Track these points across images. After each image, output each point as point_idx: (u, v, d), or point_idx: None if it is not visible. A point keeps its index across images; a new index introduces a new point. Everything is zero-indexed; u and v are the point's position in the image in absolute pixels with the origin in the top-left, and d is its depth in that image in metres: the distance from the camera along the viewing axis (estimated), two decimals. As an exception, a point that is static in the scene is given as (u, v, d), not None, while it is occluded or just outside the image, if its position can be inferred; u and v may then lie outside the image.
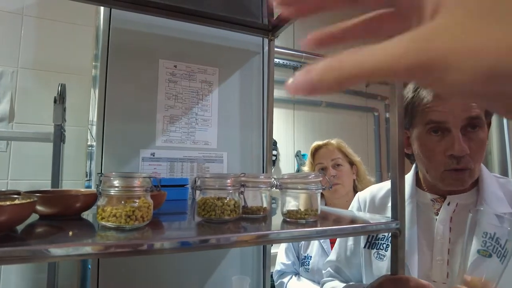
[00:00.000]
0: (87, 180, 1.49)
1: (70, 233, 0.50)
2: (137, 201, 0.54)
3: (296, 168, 3.28)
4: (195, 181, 0.65)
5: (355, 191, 1.44)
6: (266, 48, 1.33)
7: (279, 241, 0.57)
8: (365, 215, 0.75)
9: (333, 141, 1.48)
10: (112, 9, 1.12)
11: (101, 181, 0.56)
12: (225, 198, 0.62)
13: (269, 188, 0.71)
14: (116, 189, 0.54)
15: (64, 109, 1.08)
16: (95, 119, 1.16)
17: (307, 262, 1.34)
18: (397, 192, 0.68)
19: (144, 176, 0.57)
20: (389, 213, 0.90)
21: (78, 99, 1.42)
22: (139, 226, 0.55)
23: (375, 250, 0.89)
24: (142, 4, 1.07)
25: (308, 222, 0.64)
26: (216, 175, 0.65)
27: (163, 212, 0.87)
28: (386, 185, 0.99)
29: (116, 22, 1.13)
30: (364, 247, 0.92)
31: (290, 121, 3.36)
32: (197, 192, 0.65)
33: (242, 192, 0.65)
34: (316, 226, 0.62)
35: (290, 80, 0.23)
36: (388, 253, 0.85)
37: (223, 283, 1.19)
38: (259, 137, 1.30)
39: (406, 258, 0.79)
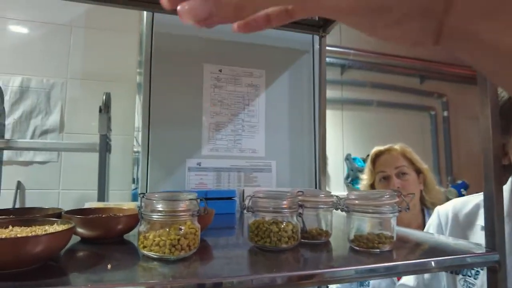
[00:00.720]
0: (134, 189, 1.48)
1: (109, 266, 0.43)
2: (183, 227, 0.47)
3: (346, 173, 3.11)
4: (244, 198, 0.56)
5: (422, 203, 1.27)
6: (316, 45, 1.22)
7: (351, 279, 0.47)
8: (448, 240, 0.62)
9: (397, 146, 1.30)
10: (155, 13, 1.08)
11: (142, 203, 0.49)
12: (282, 223, 0.53)
13: (331, 208, 0.61)
14: (159, 214, 0.47)
15: (109, 118, 1.06)
16: (140, 130, 1.13)
17: (366, 283, 1.21)
18: (493, 213, 0.55)
19: (191, 198, 0.49)
20: (477, 234, 0.75)
21: (124, 106, 1.41)
22: (185, 256, 0.47)
23: (461, 276, 0.75)
24: (185, 6, 1.02)
25: (383, 252, 0.53)
26: (270, 194, 0.56)
27: (212, 228, 0.80)
28: (472, 199, 0.85)
29: (159, 26, 1.09)
30: (450, 272, 0.78)
31: (338, 122, 3.19)
32: (249, 213, 0.57)
33: (300, 214, 0.56)
34: (392, 259, 0.51)
35: (181, 5, 0.22)
36: (479, 282, 0.71)
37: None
38: (310, 143, 1.20)
39: None
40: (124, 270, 0.43)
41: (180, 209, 0.48)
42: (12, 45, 1.30)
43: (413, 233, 0.72)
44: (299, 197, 0.58)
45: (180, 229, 0.47)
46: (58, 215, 0.57)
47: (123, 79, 1.42)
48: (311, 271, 0.45)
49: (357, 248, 0.55)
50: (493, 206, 0.55)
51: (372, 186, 1.29)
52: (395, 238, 0.56)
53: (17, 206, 1.30)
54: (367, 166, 1.32)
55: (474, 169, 3.37)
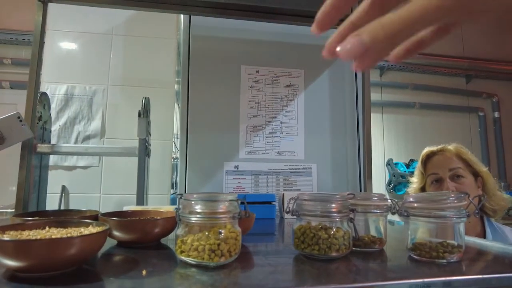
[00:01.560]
0: (173, 193, 1.48)
1: (144, 272, 0.40)
2: (223, 231, 0.43)
3: (388, 178, 2.96)
4: (283, 202, 0.51)
5: (481, 209, 1.14)
6: (358, 43, 1.15)
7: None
8: (525, 251, 0.53)
9: (451, 147, 1.18)
10: (192, 16, 1.08)
11: (179, 204, 0.46)
12: (332, 229, 0.47)
13: (385, 213, 0.54)
14: (198, 216, 0.43)
15: (149, 123, 1.06)
16: (179, 134, 1.12)
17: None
18: None
19: (231, 199, 0.45)
20: None
21: (162, 112, 1.42)
22: (225, 262, 0.43)
23: None
24: (221, 7, 1.00)
25: (451, 263, 0.46)
26: (317, 196, 0.50)
27: (253, 234, 0.76)
28: None
29: (196, 29, 1.08)
30: None
31: (378, 126, 3.06)
32: (293, 216, 0.52)
33: (352, 220, 0.50)
34: (462, 272, 0.44)
35: (340, 46, 0.24)
36: None
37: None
38: (353, 145, 1.12)
39: None
40: (159, 276, 0.40)
41: (220, 210, 0.44)
42: (58, 56, 1.36)
43: (479, 242, 0.63)
44: (350, 200, 0.52)
45: (220, 232, 0.43)
46: (94, 217, 0.56)
47: (162, 85, 1.44)
48: (367, 283, 0.39)
49: (418, 257, 0.48)
50: None
51: (422, 189, 1.18)
52: (464, 248, 0.48)
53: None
54: (417, 168, 1.21)
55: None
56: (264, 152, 1.08)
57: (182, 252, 0.44)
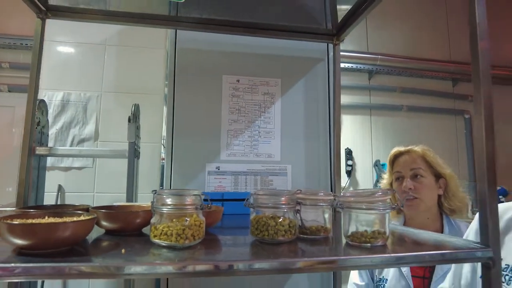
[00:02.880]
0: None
1: (123, 250, 0.51)
2: (188, 219, 0.54)
3: (375, 179, 3.07)
4: (248, 198, 0.62)
5: (441, 208, 1.25)
6: (331, 53, 1.26)
7: (339, 268, 0.51)
8: (450, 239, 0.64)
9: (417, 148, 1.27)
10: (178, 31, 1.18)
11: (154, 198, 0.56)
12: (279, 217, 0.58)
13: (329, 206, 0.65)
14: (168, 207, 0.54)
15: (138, 127, 1.16)
16: (165, 137, 1.22)
17: (382, 286, 1.20)
18: (486, 210, 0.56)
19: (195, 193, 0.56)
20: None
21: (152, 117, 1.53)
22: (190, 244, 0.54)
23: None
24: (204, 22, 1.11)
25: (375, 247, 0.56)
26: (271, 191, 0.61)
27: (225, 226, 0.86)
28: None
29: (182, 42, 1.18)
30: (481, 277, 0.78)
31: (367, 128, 3.16)
32: (251, 209, 0.62)
33: (298, 211, 0.60)
34: (384, 252, 0.54)
35: None
36: None
37: (291, 303, 1.14)
38: (326, 148, 1.23)
39: None
40: (136, 254, 0.50)
41: (186, 203, 0.54)
42: (55, 64, 1.46)
43: (413, 232, 0.73)
44: (298, 195, 0.63)
45: (186, 220, 0.53)
46: (86, 209, 0.66)
47: (152, 92, 1.54)
48: (296, 259, 0.50)
49: (351, 243, 0.59)
50: (486, 204, 0.57)
51: (390, 185, 1.29)
52: (388, 234, 0.59)
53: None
54: (387, 166, 1.32)
55: (513, 175, 3.19)
56: (243, 154, 1.18)
57: (154, 236, 0.54)
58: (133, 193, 1.13)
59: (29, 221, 0.52)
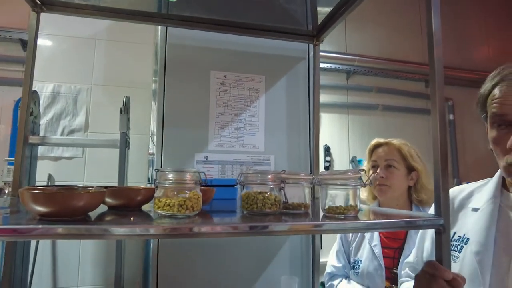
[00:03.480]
0: (148, 184, 1.64)
1: (131, 218, 0.58)
2: (188, 192, 0.62)
3: (350, 174, 3.20)
4: (239, 176, 0.71)
5: (410, 199, 1.37)
6: (311, 53, 1.36)
7: (317, 232, 0.60)
8: (412, 213, 0.75)
9: (395, 141, 1.39)
10: (168, 28, 1.25)
11: (157, 175, 0.64)
12: (266, 193, 0.67)
13: (309, 184, 0.75)
14: (170, 182, 0.62)
15: (129, 119, 1.22)
16: (155, 129, 1.28)
17: (357, 266, 1.32)
18: (440, 187, 0.67)
19: (194, 171, 0.64)
20: (467, 215, 0.88)
21: (140, 110, 1.58)
22: (189, 215, 0.62)
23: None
24: (194, 21, 1.18)
25: (347, 217, 0.66)
26: (258, 171, 0.70)
27: (214, 210, 0.94)
28: (468, 187, 0.96)
29: (172, 38, 1.25)
30: None
31: (344, 126, 3.30)
32: (243, 188, 0.71)
33: (282, 188, 0.69)
34: (347, 220, 0.64)
35: None
36: (462, 255, 0.83)
37: (273, 282, 1.23)
38: (306, 140, 1.33)
39: (479, 259, 0.77)
40: (143, 221, 0.58)
41: (186, 178, 0.62)
42: (45, 57, 1.49)
43: (384, 209, 0.84)
44: (282, 175, 0.72)
45: (186, 193, 0.61)
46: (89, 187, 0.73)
47: (140, 86, 1.59)
48: (281, 223, 0.59)
49: (328, 214, 0.68)
50: (439, 184, 0.68)
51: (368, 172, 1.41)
52: (359, 207, 0.69)
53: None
54: (366, 154, 1.45)
55: (480, 171, 3.41)
56: (230, 145, 1.27)
57: (158, 207, 0.62)
58: (124, 182, 1.19)
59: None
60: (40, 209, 0.53)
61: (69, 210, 0.55)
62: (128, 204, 0.71)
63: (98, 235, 0.50)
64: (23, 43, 1.79)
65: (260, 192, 0.67)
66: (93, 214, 0.64)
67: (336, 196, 0.69)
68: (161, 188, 0.63)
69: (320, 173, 0.72)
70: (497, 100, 0.80)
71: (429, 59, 0.71)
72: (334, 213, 0.67)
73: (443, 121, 0.70)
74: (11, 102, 1.66)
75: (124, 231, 0.50)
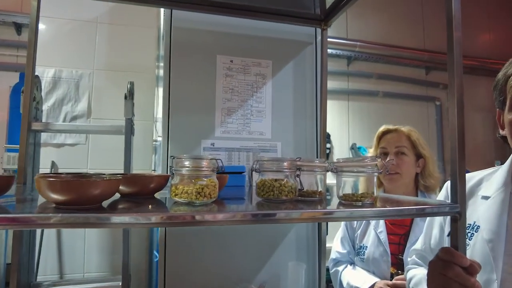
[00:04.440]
0: (153, 171, 1.63)
1: (150, 206, 0.57)
2: (205, 180, 0.61)
3: (350, 160, 3.21)
4: (254, 164, 0.70)
5: (417, 186, 1.38)
6: (319, 38, 1.34)
7: (333, 219, 0.60)
8: (427, 200, 0.74)
9: (404, 128, 1.39)
10: (173, 10, 1.21)
11: (173, 162, 0.63)
12: (282, 180, 0.66)
13: (324, 172, 0.74)
14: (187, 169, 0.61)
15: (133, 105, 1.19)
16: (160, 115, 1.26)
17: (362, 252, 1.33)
18: (456, 175, 0.67)
19: (211, 158, 0.62)
20: (477, 203, 0.88)
21: (143, 96, 1.56)
22: (207, 202, 0.61)
23: None
24: (200, 3, 1.15)
25: (365, 204, 0.66)
26: (274, 158, 0.69)
27: (223, 197, 0.93)
28: (477, 174, 0.96)
29: (177, 22, 1.22)
30: (448, 235, 0.90)
31: (344, 112, 3.29)
32: (256, 175, 0.70)
33: (298, 175, 0.69)
34: (366, 207, 0.64)
35: None
36: (472, 242, 0.83)
37: (280, 268, 1.24)
38: (312, 127, 1.32)
39: (491, 246, 0.77)
40: (161, 205, 0.57)
41: (203, 165, 0.61)
42: (45, 41, 1.45)
43: (397, 196, 0.84)
44: (297, 162, 0.71)
45: (204, 180, 0.60)
46: (102, 175, 0.71)
47: (143, 70, 1.57)
48: (297, 210, 0.58)
49: (344, 202, 0.68)
50: (456, 171, 0.67)
51: None
52: (375, 194, 0.68)
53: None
54: (374, 142, 1.44)
55: (478, 158, 3.44)
56: (236, 132, 1.25)
57: (176, 195, 0.61)
58: (130, 168, 1.18)
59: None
60: (57, 197, 0.52)
61: (85, 198, 0.54)
62: (141, 191, 0.70)
63: (121, 223, 0.49)
64: (17, 27, 1.74)
65: (276, 180, 0.66)
66: (106, 202, 0.63)
67: (352, 183, 0.69)
68: (178, 175, 0.62)
69: (336, 160, 0.71)
70: None
71: (448, 43, 0.69)
72: (351, 200, 0.67)
73: (461, 108, 0.69)
74: (6, 88, 1.63)
75: (155, 219, 0.49)
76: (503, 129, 0.88)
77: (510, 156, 0.90)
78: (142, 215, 0.50)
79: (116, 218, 0.49)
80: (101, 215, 0.49)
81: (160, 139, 1.21)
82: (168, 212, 0.52)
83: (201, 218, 0.51)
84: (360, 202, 0.66)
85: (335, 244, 1.46)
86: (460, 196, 0.66)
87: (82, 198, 0.53)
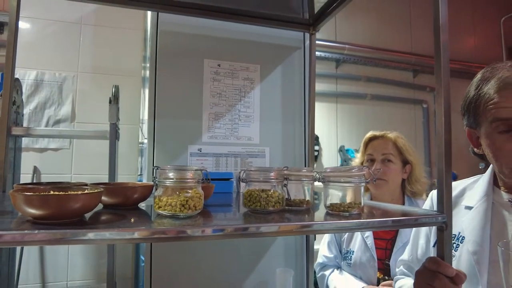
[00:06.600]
0: (139, 175, 1.60)
1: (132, 220, 0.55)
2: (190, 191, 0.59)
3: (339, 163, 3.23)
4: (241, 173, 0.68)
5: (403, 191, 1.39)
6: (307, 42, 1.33)
7: (321, 231, 0.59)
8: (413, 209, 0.74)
9: (391, 134, 1.39)
10: (159, 13, 1.19)
11: (157, 173, 0.61)
12: (269, 190, 0.65)
13: (311, 181, 0.73)
14: (171, 180, 0.59)
15: (118, 109, 1.17)
16: (146, 118, 1.24)
17: (349, 257, 1.33)
18: (443, 184, 0.67)
19: (196, 169, 0.61)
20: (460, 213, 0.88)
21: (129, 99, 1.53)
22: (191, 214, 0.59)
23: None
24: (187, 6, 1.13)
25: (352, 215, 0.65)
26: (261, 168, 0.68)
27: (210, 204, 0.92)
28: (460, 184, 0.96)
29: (164, 25, 1.20)
30: (433, 245, 0.90)
31: (332, 115, 3.30)
32: (243, 184, 0.69)
33: (285, 185, 0.68)
34: (360, 219, 0.63)
35: None
36: (458, 253, 0.84)
37: (268, 275, 1.23)
38: (301, 131, 1.32)
39: (476, 258, 0.78)
40: (144, 223, 0.55)
41: (188, 176, 0.59)
42: (27, 42, 1.41)
43: (383, 205, 0.84)
44: (285, 171, 0.70)
45: (188, 192, 0.59)
46: (85, 185, 0.69)
47: (129, 73, 1.53)
48: (284, 223, 0.57)
49: (331, 212, 0.67)
50: (443, 180, 0.67)
51: (361, 164, 1.41)
52: (362, 204, 0.68)
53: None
54: (360, 148, 1.44)
55: (462, 161, 3.50)
56: (224, 137, 1.24)
57: (159, 207, 0.59)
58: (115, 174, 1.15)
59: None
60: (34, 211, 0.50)
61: (65, 212, 0.51)
62: (124, 202, 0.68)
63: (101, 239, 0.47)
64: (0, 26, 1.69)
65: (263, 190, 0.65)
66: (88, 214, 0.61)
67: (339, 193, 0.68)
68: (162, 187, 0.60)
69: (323, 170, 0.71)
70: (498, 103, 0.79)
71: (435, 46, 0.69)
72: (337, 210, 0.66)
73: (448, 115, 0.69)
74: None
75: (119, 236, 0.48)
76: (477, 147, 0.89)
77: (490, 166, 0.91)
78: (123, 231, 0.48)
79: (97, 235, 0.47)
80: (80, 231, 0.47)
81: (146, 141, 1.18)
82: (150, 228, 0.50)
83: (183, 234, 0.49)
84: (347, 213, 0.65)
85: (322, 248, 1.46)
86: (446, 206, 0.66)
87: (62, 213, 0.51)
